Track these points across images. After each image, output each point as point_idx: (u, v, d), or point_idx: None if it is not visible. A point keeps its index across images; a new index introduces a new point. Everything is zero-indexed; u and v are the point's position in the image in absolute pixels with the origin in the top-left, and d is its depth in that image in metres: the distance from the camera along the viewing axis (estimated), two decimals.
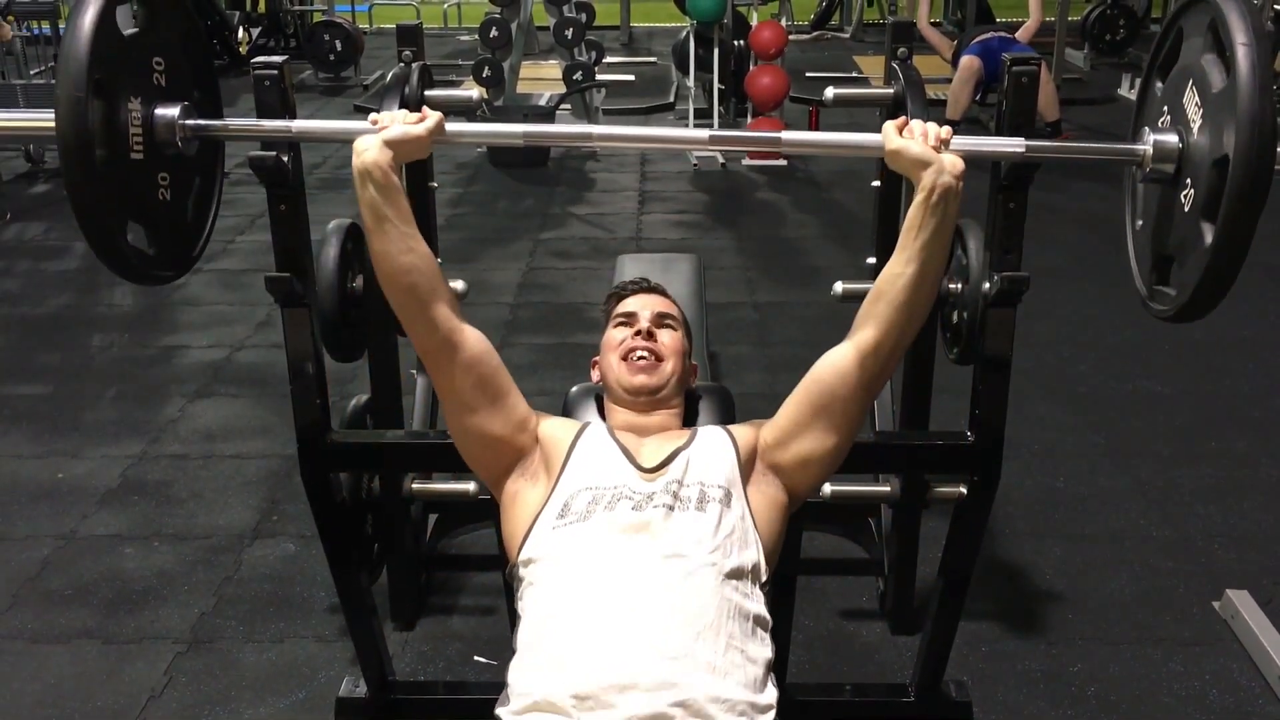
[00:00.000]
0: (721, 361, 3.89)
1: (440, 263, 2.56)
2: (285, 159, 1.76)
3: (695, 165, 6.69)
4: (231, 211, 5.60)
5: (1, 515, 3.08)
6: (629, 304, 1.92)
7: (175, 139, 1.59)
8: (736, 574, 1.53)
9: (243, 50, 9.60)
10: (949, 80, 6.99)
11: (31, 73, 6.64)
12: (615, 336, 1.88)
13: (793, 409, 1.68)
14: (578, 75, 6.80)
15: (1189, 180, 1.44)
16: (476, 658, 2.51)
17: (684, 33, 7.04)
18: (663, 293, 1.99)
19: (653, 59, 10.25)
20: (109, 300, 4.70)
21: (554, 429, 1.72)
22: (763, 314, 4.48)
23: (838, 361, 1.63)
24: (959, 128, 6.74)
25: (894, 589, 2.55)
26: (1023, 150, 1.60)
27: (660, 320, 1.88)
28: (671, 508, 1.56)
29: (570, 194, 6.24)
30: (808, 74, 8.88)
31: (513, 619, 1.67)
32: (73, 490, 3.20)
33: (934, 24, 11.41)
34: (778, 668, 1.71)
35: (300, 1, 10.04)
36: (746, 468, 1.66)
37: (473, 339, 1.65)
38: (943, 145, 1.54)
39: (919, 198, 1.54)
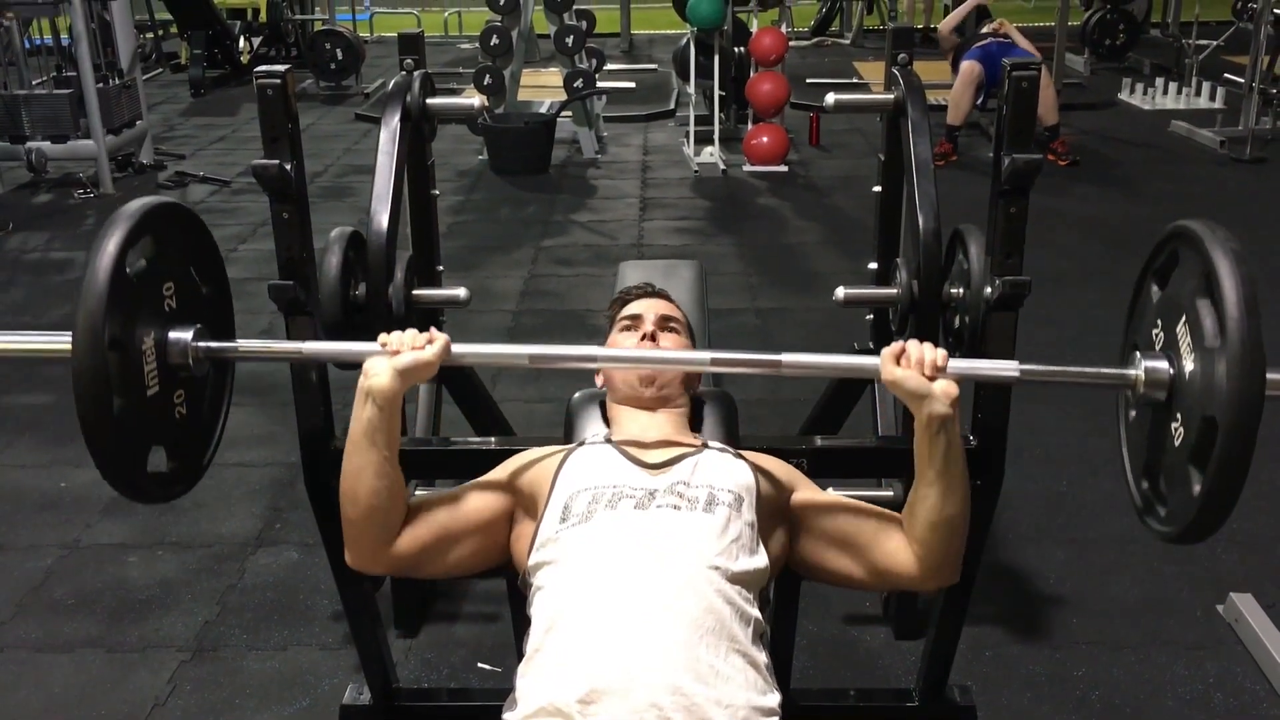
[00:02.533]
0: None
1: (441, 271, 2.58)
2: (288, 167, 1.76)
3: (696, 172, 6.70)
4: (234, 220, 5.61)
5: (5, 525, 3.08)
6: (634, 307, 1.94)
7: (188, 361, 1.59)
8: (740, 579, 1.53)
9: (244, 60, 9.63)
10: (949, 85, 7.00)
11: (34, 82, 6.65)
12: (621, 338, 1.89)
13: (839, 529, 1.68)
14: (579, 82, 6.81)
15: (1179, 415, 1.45)
16: (480, 664, 2.51)
17: (684, 40, 7.05)
18: (667, 297, 2.00)
19: (654, 66, 10.27)
20: None
21: (533, 473, 1.71)
22: (765, 320, 4.48)
23: (901, 546, 1.63)
24: (960, 134, 6.75)
25: (897, 594, 2.55)
26: (1016, 375, 1.60)
27: (665, 323, 1.90)
28: (677, 507, 1.56)
29: (572, 201, 6.25)
30: (808, 80, 8.91)
31: (516, 625, 1.67)
32: (76, 500, 3.20)
33: (935, 30, 11.45)
34: (782, 673, 1.71)
35: (301, 10, 10.07)
36: (766, 504, 1.66)
37: (406, 543, 1.63)
38: (937, 372, 1.54)
39: (918, 429, 1.56)
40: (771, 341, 4.24)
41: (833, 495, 1.75)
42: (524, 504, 1.69)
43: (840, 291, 2.27)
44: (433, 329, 1.64)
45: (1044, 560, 2.85)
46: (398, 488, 1.61)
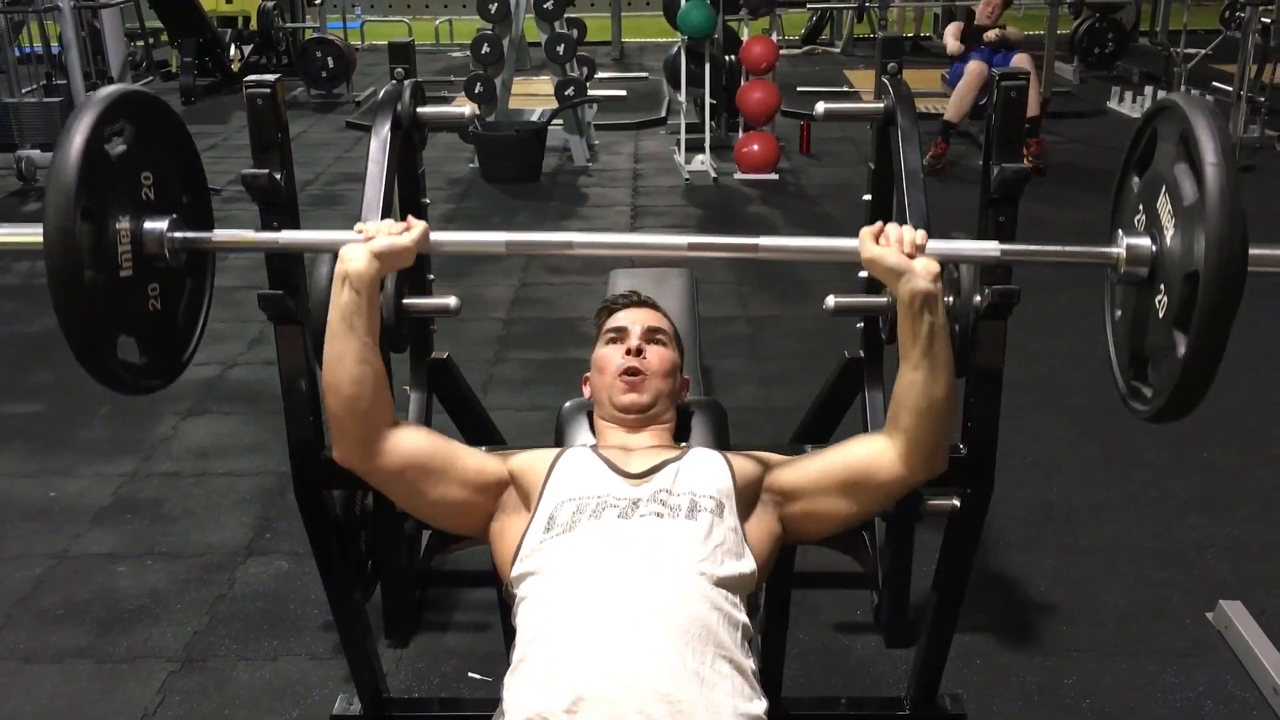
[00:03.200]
0: (714, 376, 3.89)
1: (432, 279, 2.58)
2: (278, 176, 1.76)
3: (687, 180, 6.71)
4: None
5: None
6: (619, 319, 1.93)
7: (164, 252, 1.60)
8: (726, 584, 1.53)
9: (235, 68, 9.62)
10: (940, 94, 7.01)
11: (24, 91, 6.64)
12: (606, 354, 1.88)
13: (820, 474, 1.68)
14: (570, 91, 6.81)
15: (1162, 286, 1.46)
16: (471, 674, 2.51)
17: (675, 48, 7.06)
18: (653, 306, 2.00)
19: (644, 74, 10.29)
20: None
21: (528, 461, 1.72)
22: (755, 328, 4.48)
23: (883, 453, 1.64)
24: (954, 132, 6.75)
25: (888, 602, 2.54)
26: (997, 254, 1.62)
27: (651, 335, 1.89)
28: (660, 515, 1.57)
29: (563, 208, 6.25)
30: (799, 88, 8.93)
31: (507, 635, 1.67)
32: (65, 509, 3.19)
33: (925, 38, 11.50)
34: (773, 681, 1.71)
35: (292, 19, 10.06)
36: (744, 495, 1.66)
37: (397, 446, 1.64)
38: (917, 251, 1.55)
39: (901, 308, 1.57)
40: (762, 349, 4.24)
41: (801, 456, 1.75)
42: (517, 487, 1.69)
43: (831, 300, 2.26)
44: (410, 217, 1.65)
45: (1034, 568, 2.85)
46: (380, 377, 1.61)
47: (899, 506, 2.39)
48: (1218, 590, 2.69)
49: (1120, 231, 1.56)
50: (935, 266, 1.54)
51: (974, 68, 6.64)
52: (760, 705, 1.46)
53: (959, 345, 1.95)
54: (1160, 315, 1.46)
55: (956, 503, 2.02)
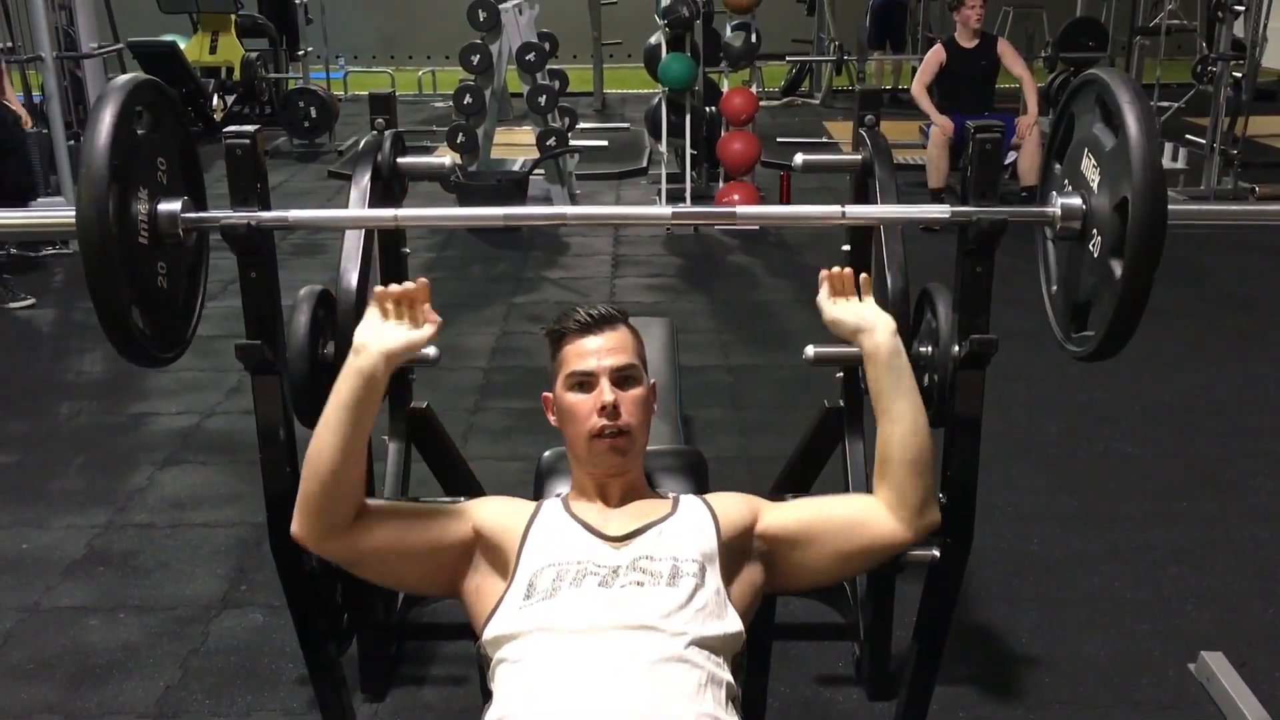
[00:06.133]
0: (695, 425, 3.89)
1: None
2: (255, 224, 1.76)
3: (668, 230, 6.74)
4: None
5: None
6: (583, 361, 1.69)
7: (177, 230, 1.70)
8: (709, 645, 1.51)
9: (217, 117, 9.64)
10: (917, 145, 7.06)
11: None
12: (575, 404, 1.69)
13: (813, 527, 1.69)
14: (551, 141, 6.86)
15: (1095, 231, 1.64)
16: None
17: (656, 99, 7.12)
18: (612, 323, 1.74)
19: (626, 125, 10.35)
20: (78, 368, 4.66)
21: (498, 517, 1.68)
22: (736, 377, 4.49)
23: (875, 510, 1.67)
24: (942, 198, 6.78)
25: (870, 654, 2.53)
26: (947, 216, 1.77)
27: (622, 380, 1.69)
28: (640, 584, 1.54)
29: (544, 258, 6.27)
30: (778, 139, 9.00)
31: (484, 691, 1.65)
32: (37, 561, 3.14)
33: (902, 90, 11.62)
34: None
35: (276, 69, 10.11)
36: (728, 545, 1.64)
37: (364, 535, 1.63)
38: (853, 289, 1.75)
39: (869, 363, 1.69)
40: (742, 399, 4.24)
41: (793, 502, 1.76)
42: (486, 550, 1.66)
43: (810, 350, 2.27)
44: (428, 308, 1.64)
45: (1016, 620, 2.84)
46: (359, 481, 1.62)
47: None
48: (1199, 642, 2.69)
49: (1054, 194, 1.75)
50: (891, 322, 1.68)
51: (935, 132, 6.56)
52: None
53: (937, 395, 1.95)
54: (1096, 256, 1.62)
55: (936, 553, 2.01)
